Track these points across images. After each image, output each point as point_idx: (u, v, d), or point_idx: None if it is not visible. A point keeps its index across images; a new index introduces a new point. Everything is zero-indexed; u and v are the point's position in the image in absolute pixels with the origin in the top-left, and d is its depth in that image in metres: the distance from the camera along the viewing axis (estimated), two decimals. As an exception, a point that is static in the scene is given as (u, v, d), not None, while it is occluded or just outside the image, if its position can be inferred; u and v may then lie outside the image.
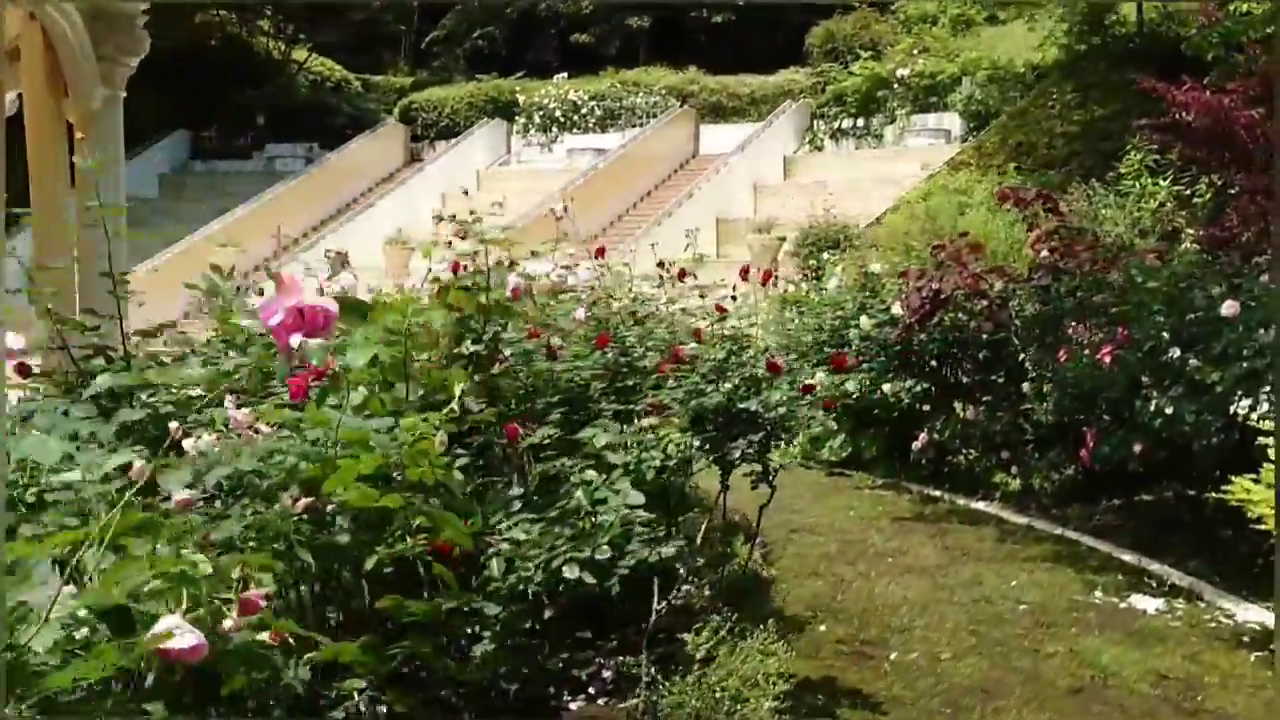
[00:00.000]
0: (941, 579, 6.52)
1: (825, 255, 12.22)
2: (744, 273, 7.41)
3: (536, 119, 28.44)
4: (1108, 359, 6.77)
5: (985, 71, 23.28)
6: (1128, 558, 6.89)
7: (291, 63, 32.08)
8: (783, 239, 15.08)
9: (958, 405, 9.19)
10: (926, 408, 9.14)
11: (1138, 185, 11.59)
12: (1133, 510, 7.97)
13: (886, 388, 9.02)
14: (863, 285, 9.84)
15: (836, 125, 25.30)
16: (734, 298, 7.36)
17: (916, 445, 8.94)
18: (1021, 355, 8.52)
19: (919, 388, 9.07)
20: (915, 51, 25.13)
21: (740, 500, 6.71)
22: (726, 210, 20.56)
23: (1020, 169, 15.12)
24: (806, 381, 5.41)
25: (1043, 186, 11.58)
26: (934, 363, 9.19)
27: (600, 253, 8.21)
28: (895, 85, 24.65)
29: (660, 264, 7.53)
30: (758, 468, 5.51)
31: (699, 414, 5.08)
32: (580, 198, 20.97)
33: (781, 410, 5.25)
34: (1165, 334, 6.72)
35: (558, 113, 28.29)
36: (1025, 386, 8.29)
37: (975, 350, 9.02)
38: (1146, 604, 6.05)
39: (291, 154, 28.99)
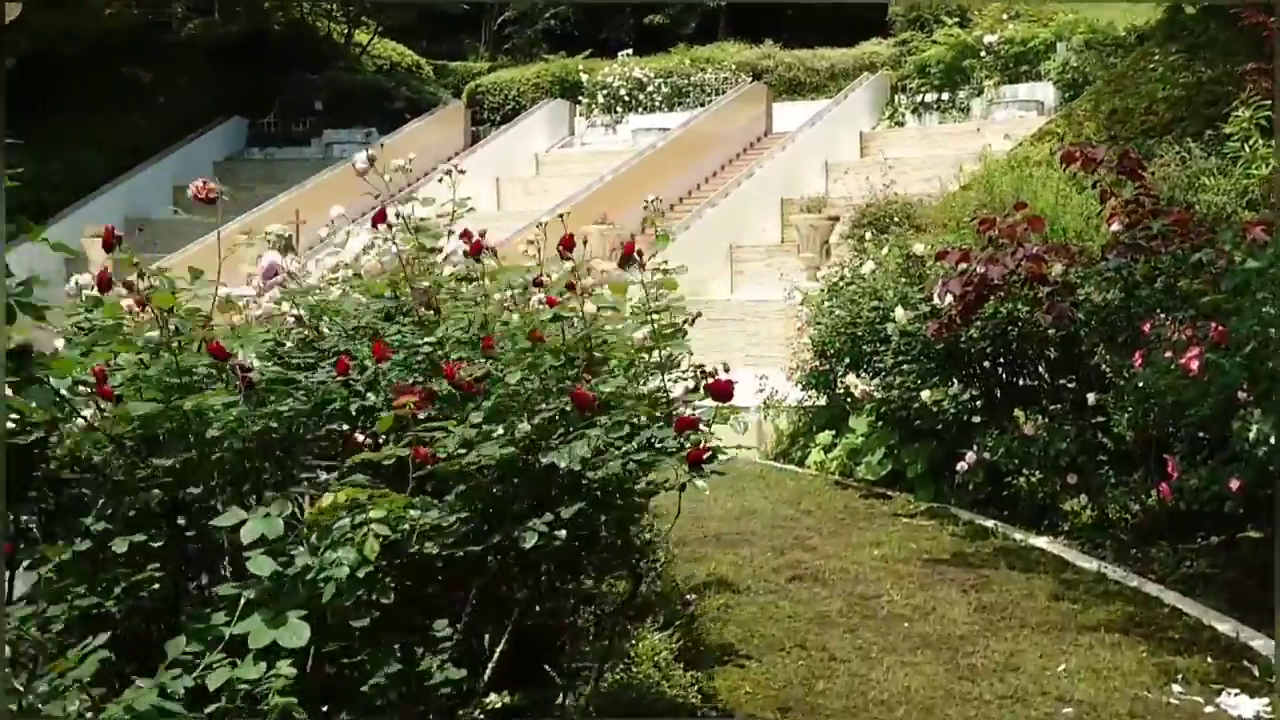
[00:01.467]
0: (966, 658, 4.92)
1: (884, 237, 10.57)
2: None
3: (600, 99, 26.95)
4: (1194, 364, 5.09)
5: (1082, 35, 21.18)
6: (1223, 628, 5.21)
7: (354, 45, 31.12)
8: (835, 219, 13.42)
9: (1019, 414, 7.52)
10: (977, 419, 7.48)
11: (1245, 148, 9.72)
12: (1234, 552, 6.25)
13: (925, 395, 7.39)
14: (904, 270, 8.19)
15: (919, 99, 23.36)
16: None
17: (962, 466, 7.29)
18: (1094, 356, 6.83)
19: (966, 395, 7.42)
20: (1005, 17, 23.08)
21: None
22: (792, 190, 18.90)
23: (1115, 137, 13.22)
24: (684, 414, 3.75)
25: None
26: (985, 364, 7.53)
27: (567, 243, 6.66)
28: (983, 54, 22.62)
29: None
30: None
31: (457, 474, 3.27)
32: (632, 181, 19.53)
33: (625, 465, 3.47)
34: (1274, 331, 5.01)
35: (622, 91, 26.77)
36: (1091, 397, 6.60)
37: (1037, 348, 7.35)
38: (1245, 707, 4.38)
39: (350, 139, 27.94)
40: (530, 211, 19.65)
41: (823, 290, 9.07)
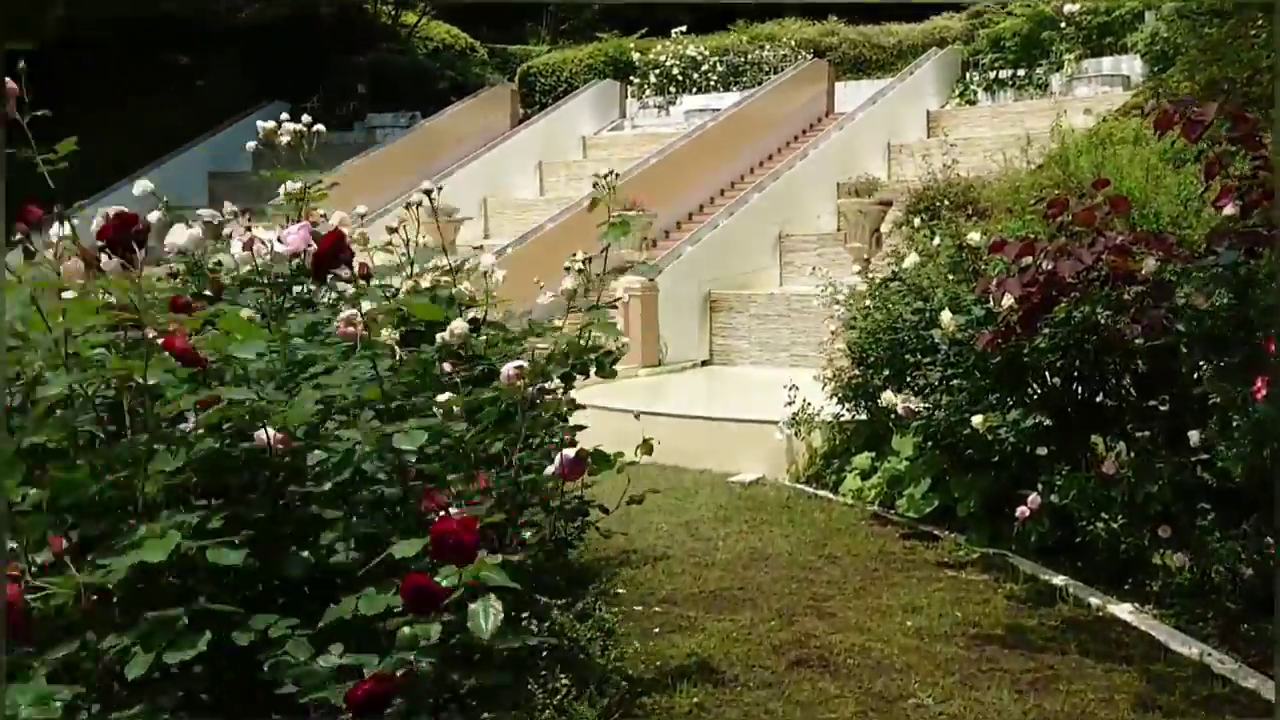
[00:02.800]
0: (1015, 815, 3.49)
1: (937, 224, 9.05)
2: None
3: (653, 79, 25.56)
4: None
5: (1173, 3, 19.30)
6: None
7: (400, 27, 30.05)
8: (887, 203, 11.89)
9: (1097, 443, 6.03)
10: (1042, 450, 6.00)
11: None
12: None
13: (977, 420, 5.92)
14: (956, 264, 6.72)
15: (992, 75, 21.62)
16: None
17: (1023, 512, 5.82)
18: (1196, 376, 5.34)
19: (1030, 420, 5.94)
20: (1087, -15, 21.25)
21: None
22: (850, 174, 17.37)
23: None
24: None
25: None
26: (1053, 380, 6.06)
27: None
28: (1063, 25, 20.84)
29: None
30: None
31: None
32: (675, 166, 18.13)
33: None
34: None
35: (675, 71, 25.33)
36: (1194, 437, 5.10)
37: (1120, 363, 5.86)
38: None
39: (393, 123, 26.92)
40: (573, 198, 18.36)
41: (861, 287, 7.62)
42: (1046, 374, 6.04)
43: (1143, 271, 5.05)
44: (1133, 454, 5.74)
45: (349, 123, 28.26)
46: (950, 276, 6.56)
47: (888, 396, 6.67)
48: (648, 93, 25.75)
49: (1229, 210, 4.80)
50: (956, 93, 21.93)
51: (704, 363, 14.31)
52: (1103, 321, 5.80)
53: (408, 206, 4.97)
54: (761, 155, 20.37)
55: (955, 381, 6.32)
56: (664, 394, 12.49)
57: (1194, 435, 5.11)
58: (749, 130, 20.27)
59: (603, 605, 5.39)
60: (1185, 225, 6.70)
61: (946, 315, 5.99)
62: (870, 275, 7.84)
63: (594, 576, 6.08)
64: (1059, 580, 5.86)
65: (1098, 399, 6.29)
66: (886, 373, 6.96)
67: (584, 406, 10.06)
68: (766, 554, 6.58)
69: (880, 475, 7.54)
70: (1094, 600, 5.55)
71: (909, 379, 6.80)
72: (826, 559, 6.46)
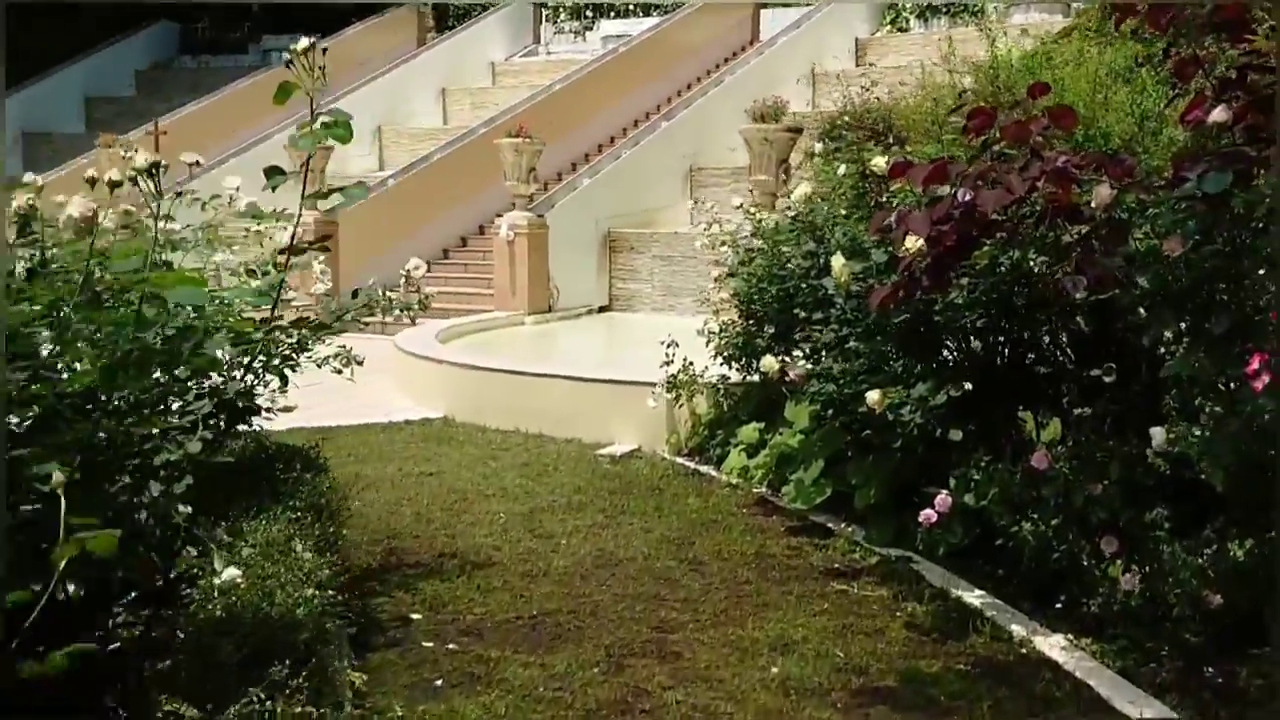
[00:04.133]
0: None
1: (850, 151, 7.70)
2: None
3: (569, 1, 23.90)
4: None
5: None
6: None
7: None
8: (796, 130, 10.51)
9: (1025, 419, 4.77)
10: (957, 432, 4.71)
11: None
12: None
13: (873, 397, 4.61)
14: (858, 197, 5.38)
15: (926, 1, 20.29)
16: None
17: (929, 515, 4.53)
18: (1158, 346, 4.07)
19: (940, 396, 4.64)
20: (1028, -95, 19.87)
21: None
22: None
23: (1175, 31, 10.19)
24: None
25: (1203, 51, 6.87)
26: (973, 344, 4.77)
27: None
28: (1001, -53, 19.53)
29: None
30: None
31: None
32: (581, 94, 16.62)
33: None
34: None
35: (594, -9, 23.71)
36: (1157, 435, 3.84)
37: (1057, 322, 4.59)
38: None
39: (290, 45, 25.02)
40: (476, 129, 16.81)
41: (750, 226, 6.27)
42: (963, 336, 4.75)
43: (1093, 204, 3.74)
44: (1069, 441, 4.47)
45: (244, 45, 26.34)
46: (846, 213, 5.22)
47: (769, 361, 5.38)
48: (564, 17, 24.11)
49: (1218, 115, 3.48)
50: (888, 19, 20.54)
51: (602, 309, 12.95)
52: (1036, 270, 4.53)
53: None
54: (680, 84, 18.89)
55: (852, 344, 5.01)
56: (545, 347, 11.14)
57: (1158, 433, 3.85)
58: (664, 57, 18.76)
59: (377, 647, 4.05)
60: (1140, 149, 5.43)
61: (838, 261, 4.64)
62: (753, 212, 6.47)
63: (373, 592, 4.74)
64: (974, 598, 4.62)
65: (1027, 362, 5.03)
66: (772, 330, 5.65)
67: (440, 361, 8.64)
68: (616, 558, 5.26)
69: (769, 452, 6.25)
70: (1017, 629, 4.30)
71: (798, 338, 5.48)
72: (689, 565, 5.16)
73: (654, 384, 7.14)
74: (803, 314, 5.39)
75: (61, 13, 23.70)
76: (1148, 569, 4.08)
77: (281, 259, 3.52)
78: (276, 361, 4.44)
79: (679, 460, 7.09)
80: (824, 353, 5.31)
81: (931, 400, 4.57)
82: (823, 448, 5.77)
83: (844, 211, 5.23)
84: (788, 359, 5.56)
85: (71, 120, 21.93)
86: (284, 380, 4.12)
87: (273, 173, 3.34)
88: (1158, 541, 4.12)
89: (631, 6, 23.60)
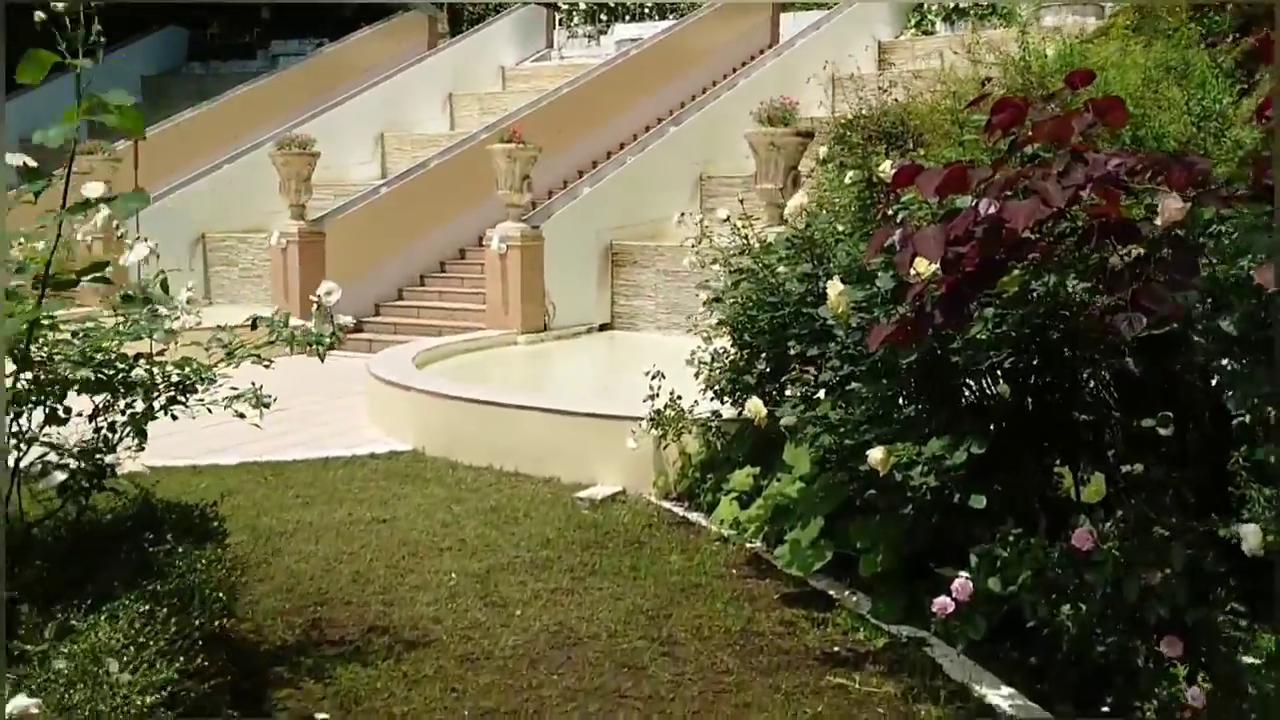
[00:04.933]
0: None
1: (863, 155, 6.85)
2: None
3: (583, 4, 23.16)
4: None
5: (1155, -79, 17.11)
6: None
7: (312, -55, 27.41)
8: (806, 135, 9.65)
9: (1063, 478, 3.95)
10: (978, 499, 3.87)
11: None
12: None
13: (876, 456, 3.78)
14: (864, 208, 4.55)
15: (952, 3, 19.42)
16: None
17: (944, 604, 3.69)
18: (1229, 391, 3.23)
19: (958, 454, 3.80)
20: (1060, -98, 19.00)
21: None
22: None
23: (1213, 28, 9.26)
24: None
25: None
26: (997, 387, 3.94)
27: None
28: (1031, -53, 18.64)
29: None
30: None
31: None
32: (589, 97, 15.85)
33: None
34: None
35: (607, -5, 22.98)
36: (1249, 536, 3.00)
37: (1099, 359, 3.76)
38: None
39: (298, 51, 24.56)
40: (477, 134, 16.06)
41: (737, 242, 5.45)
42: (987, 379, 3.92)
43: (1158, 221, 2.90)
44: (1117, 511, 3.63)
45: (253, 51, 25.78)
46: (849, 229, 4.39)
47: (755, 405, 4.55)
48: (577, 20, 23.38)
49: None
50: (912, 22, 19.70)
51: (603, 327, 12.13)
52: (1077, 299, 3.70)
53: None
54: (694, 89, 18.10)
55: (854, 385, 4.18)
56: (534, 371, 10.34)
57: (1250, 533, 3.00)
58: (679, 61, 17.97)
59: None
60: (1200, 153, 4.59)
61: (835, 287, 3.82)
62: (741, 226, 5.64)
63: (278, 681, 3.94)
64: (1001, 698, 3.79)
65: (1061, 406, 4.18)
66: (764, 367, 4.82)
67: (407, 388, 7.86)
68: (576, 636, 4.45)
69: (763, 502, 5.42)
70: (1055, 748, 3.47)
71: (792, 373, 4.65)
72: (661, 647, 4.33)
73: (639, 418, 6.33)
74: (797, 347, 4.56)
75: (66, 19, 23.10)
76: (1220, 681, 3.24)
77: (36, 291, 2.73)
78: (161, 403, 3.68)
79: (666, 505, 6.27)
80: (822, 393, 4.48)
81: (948, 459, 3.74)
82: (824, 501, 4.94)
83: (843, 227, 4.41)
84: (781, 399, 4.73)
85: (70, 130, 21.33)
86: (142, 436, 3.34)
87: (30, 175, 2.57)
88: (1233, 645, 3.28)
89: (647, 9, 22.87)
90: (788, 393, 4.73)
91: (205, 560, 3.61)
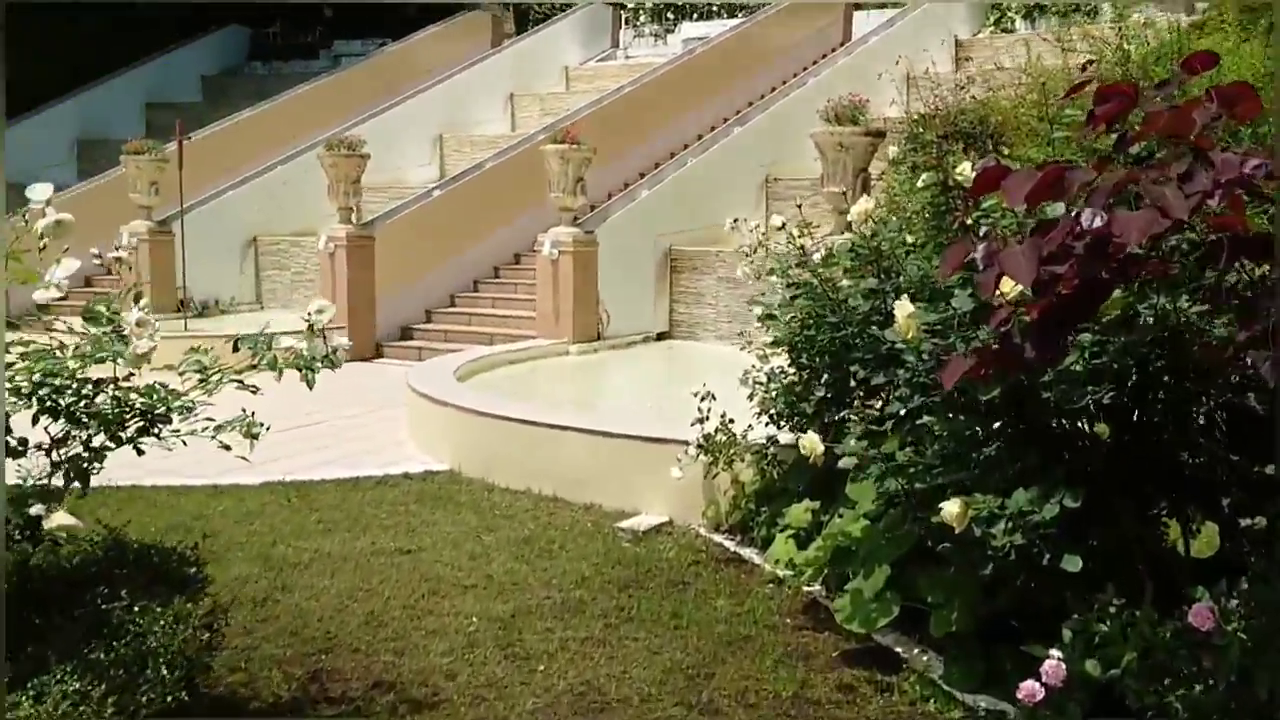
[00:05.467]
0: None
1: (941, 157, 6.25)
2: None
3: (649, 2, 22.65)
4: None
5: (1251, -89, 16.21)
6: None
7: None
8: (878, 135, 9.00)
9: (1171, 528, 3.35)
10: (1072, 561, 3.28)
11: None
12: None
13: (951, 510, 3.21)
14: (938, 215, 3.98)
15: (1033, 0, 18.61)
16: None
17: (1034, 690, 3.10)
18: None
19: (1050, 507, 3.21)
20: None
21: None
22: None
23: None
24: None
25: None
26: (1096, 426, 3.35)
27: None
28: (1117, -60, 17.80)
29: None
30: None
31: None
32: (646, 101, 15.32)
33: None
34: None
35: (675, -8, 22.43)
36: None
37: (1213, 399, 3.16)
38: None
39: (361, 51, 24.34)
40: (534, 135, 15.62)
41: (793, 252, 4.89)
42: (1085, 419, 3.33)
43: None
44: (1243, 576, 3.04)
45: (315, 50, 25.62)
46: (919, 240, 3.82)
47: (810, 441, 3.99)
48: (643, 19, 22.88)
49: None
50: (991, 19, 18.92)
51: (660, 336, 11.58)
52: (1192, 325, 3.10)
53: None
54: (763, 89, 17.51)
55: (925, 418, 3.60)
56: (583, 385, 9.83)
57: None
58: (745, 60, 17.39)
59: None
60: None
61: (904, 307, 3.26)
62: (799, 235, 5.08)
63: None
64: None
65: (1167, 446, 3.57)
66: (823, 393, 4.26)
67: (443, 403, 7.39)
68: (605, 698, 3.93)
69: (822, 543, 4.84)
70: None
71: (853, 401, 4.08)
72: (700, 717, 3.80)
73: (687, 442, 5.79)
74: (861, 373, 3.99)
75: (129, 18, 23.13)
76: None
77: None
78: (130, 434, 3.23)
79: (716, 539, 5.73)
80: (889, 425, 3.91)
81: (1037, 514, 3.15)
82: (890, 545, 4.37)
83: (913, 238, 3.84)
84: (842, 429, 4.17)
85: (132, 126, 21.18)
86: (83, 479, 2.87)
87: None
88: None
89: (716, 8, 22.28)
90: (850, 421, 4.16)
91: (169, 619, 3.13)
